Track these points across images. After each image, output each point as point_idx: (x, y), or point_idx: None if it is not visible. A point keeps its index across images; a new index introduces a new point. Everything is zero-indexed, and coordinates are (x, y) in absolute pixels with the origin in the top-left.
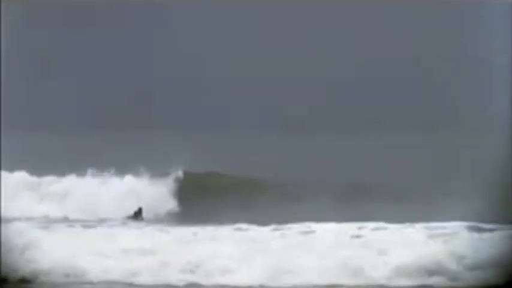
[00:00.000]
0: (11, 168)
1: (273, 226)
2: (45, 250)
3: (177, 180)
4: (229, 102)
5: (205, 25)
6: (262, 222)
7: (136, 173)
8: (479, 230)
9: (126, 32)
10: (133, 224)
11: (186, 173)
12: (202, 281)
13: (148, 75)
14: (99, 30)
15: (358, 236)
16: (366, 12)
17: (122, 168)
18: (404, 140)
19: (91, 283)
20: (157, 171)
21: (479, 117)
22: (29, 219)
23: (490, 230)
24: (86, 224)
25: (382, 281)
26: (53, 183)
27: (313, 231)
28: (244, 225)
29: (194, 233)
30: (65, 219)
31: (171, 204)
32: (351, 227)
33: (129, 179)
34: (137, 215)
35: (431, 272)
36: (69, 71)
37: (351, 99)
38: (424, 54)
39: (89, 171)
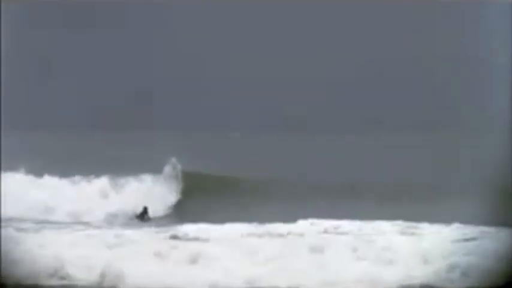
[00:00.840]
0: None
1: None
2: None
3: (175, 179)
4: (229, 102)
5: (205, 25)
6: (248, 221)
7: (133, 173)
8: (458, 230)
9: (126, 32)
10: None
11: (184, 173)
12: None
13: (148, 75)
14: (99, 30)
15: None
16: (366, 12)
17: (121, 167)
18: (404, 140)
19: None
20: (155, 170)
21: (479, 117)
22: (21, 221)
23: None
24: (97, 225)
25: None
26: (51, 183)
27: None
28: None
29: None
30: (67, 219)
31: (169, 203)
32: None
33: (126, 179)
34: (143, 214)
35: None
36: (69, 71)
37: (351, 99)
38: (424, 54)
39: (88, 171)
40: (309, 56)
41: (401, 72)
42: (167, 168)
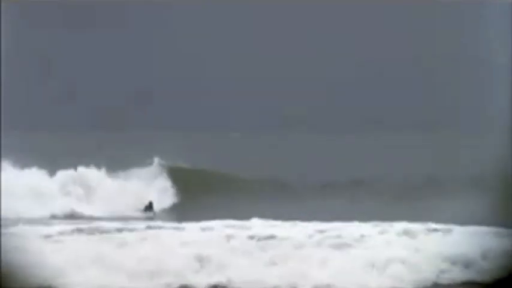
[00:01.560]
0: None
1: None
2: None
3: (175, 178)
4: (229, 102)
5: (205, 25)
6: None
7: (132, 172)
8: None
9: (126, 32)
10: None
11: (184, 172)
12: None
13: (148, 75)
14: (99, 30)
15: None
16: (366, 12)
17: (120, 167)
18: (404, 140)
19: None
20: (154, 170)
21: (479, 117)
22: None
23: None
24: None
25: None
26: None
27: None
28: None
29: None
30: (70, 217)
31: (167, 202)
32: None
33: (125, 176)
34: (147, 208)
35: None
36: (69, 71)
37: (351, 99)
38: (424, 54)
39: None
40: (309, 56)
41: (401, 72)
42: (166, 167)
